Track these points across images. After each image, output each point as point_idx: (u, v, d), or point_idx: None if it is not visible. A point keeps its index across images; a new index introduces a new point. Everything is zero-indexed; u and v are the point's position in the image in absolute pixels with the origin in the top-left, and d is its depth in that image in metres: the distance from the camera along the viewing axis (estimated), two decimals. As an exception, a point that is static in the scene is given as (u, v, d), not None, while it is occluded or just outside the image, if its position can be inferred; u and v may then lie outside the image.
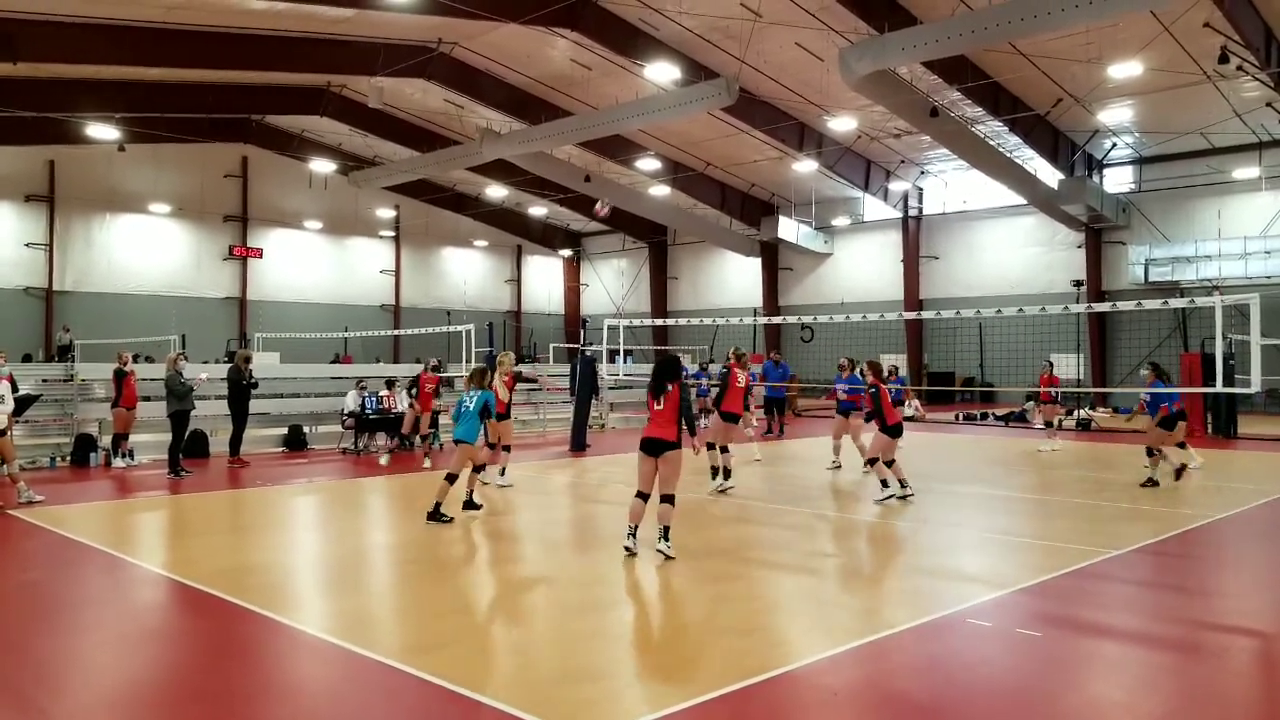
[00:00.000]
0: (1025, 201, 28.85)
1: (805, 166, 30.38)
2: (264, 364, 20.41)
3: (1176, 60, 21.15)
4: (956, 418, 24.86)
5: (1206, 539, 9.08)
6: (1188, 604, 6.85)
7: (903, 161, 31.58)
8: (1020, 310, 14.55)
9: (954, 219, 33.22)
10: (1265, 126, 24.97)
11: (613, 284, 44.54)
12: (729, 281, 39.70)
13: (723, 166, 32.76)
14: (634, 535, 7.86)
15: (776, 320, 26.15)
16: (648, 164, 31.26)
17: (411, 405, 15.89)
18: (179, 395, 13.19)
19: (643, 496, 7.91)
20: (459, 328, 19.60)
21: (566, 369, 22.72)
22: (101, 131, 26.69)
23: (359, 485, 12.74)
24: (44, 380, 14.86)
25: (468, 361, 18.98)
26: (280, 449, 16.58)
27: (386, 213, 39.37)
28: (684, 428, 7.99)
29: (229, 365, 15.57)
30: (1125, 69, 20.88)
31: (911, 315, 17.87)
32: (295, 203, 36.72)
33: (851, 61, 19.19)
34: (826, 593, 7.05)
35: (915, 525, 9.60)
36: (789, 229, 34.99)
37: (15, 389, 11.65)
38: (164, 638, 6.01)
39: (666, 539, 7.73)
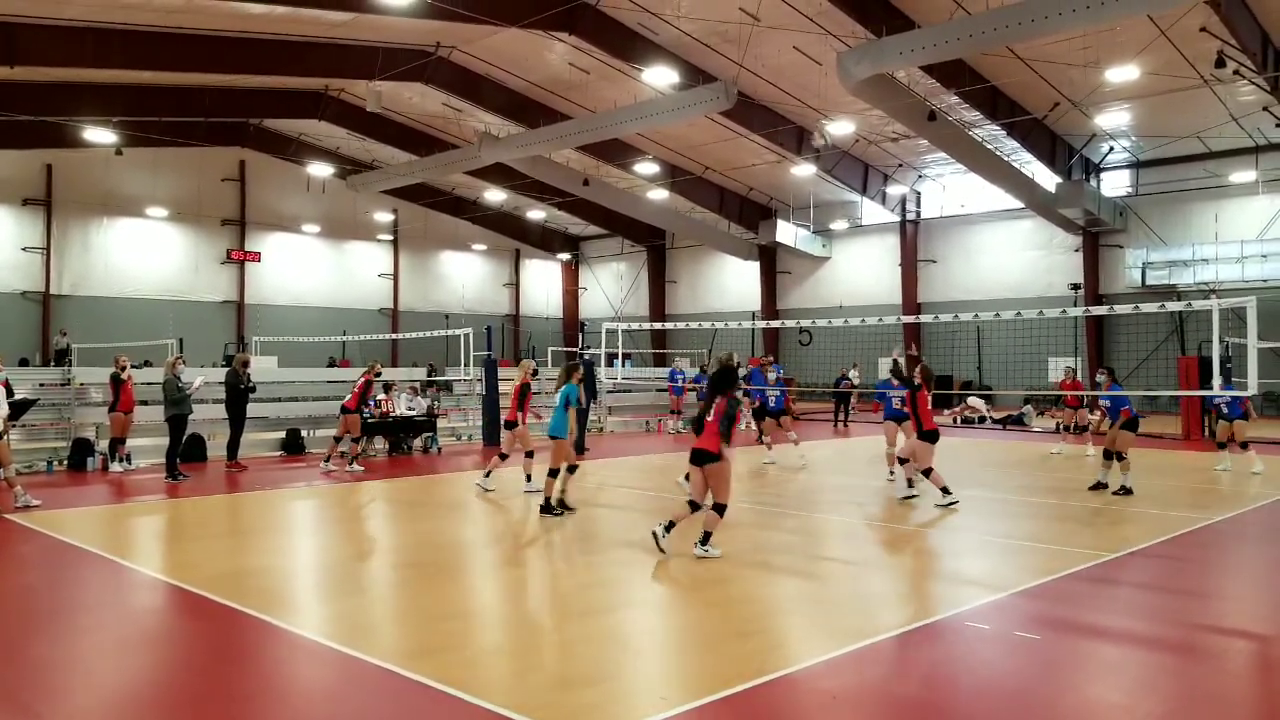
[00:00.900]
0: (1023, 205, 28.89)
1: (803, 170, 30.40)
2: (262, 368, 20.40)
3: (1173, 64, 21.20)
4: (955, 421, 24.88)
5: (1204, 541, 9.09)
6: (1186, 606, 6.85)
7: (900, 165, 31.62)
8: (1018, 314, 14.57)
9: (952, 222, 33.26)
10: (1262, 130, 25.02)
11: (611, 288, 44.55)
12: (727, 285, 39.72)
13: (721, 170, 32.78)
14: (666, 530, 7.90)
15: (775, 324, 26.14)
16: (646, 168, 31.28)
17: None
18: (176, 400, 13.18)
19: (693, 505, 8.01)
20: (457, 331, 19.60)
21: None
22: (99, 135, 26.66)
23: (357, 489, 12.73)
24: (41, 384, 14.84)
25: (466, 365, 19.00)
26: (278, 453, 16.57)
27: (385, 216, 39.36)
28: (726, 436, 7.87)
29: (227, 369, 15.56)
30: (1122, 73, 20.92)
31: (910, 319, 17.88)
32: (293, 206, 36.70)
33: (849, 65, 19.22)
34: (825, 596, 7.05)
35: (914, 528, 9.60)
36: (787, 233, 35.02)
37: (11, 393, 11.65)
38: (162, 642, 5.99)
39: (705, 543, 7.83)
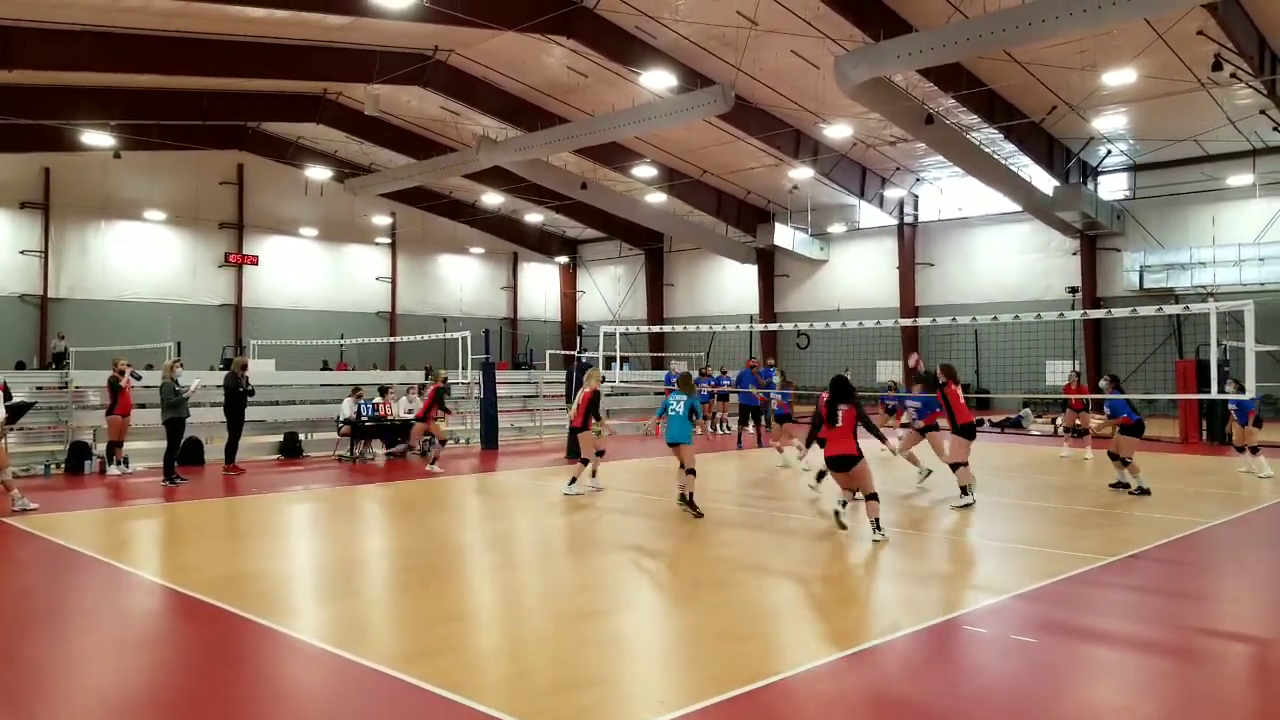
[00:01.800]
0: (1020, 208, 28.92)
1: (801, 173, 30.42)
2: (260, 371, 20.37)
3: (1170, 68, 21.24)
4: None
5: (1202, 544, 9.09)
6: (1183, 609, 6.85)
7: (898, 169, 31.65)
8: (1016, 317, 14.59)
9: (949, 226, 33.29)
10: (1259, 133, 25.06)
11: (609, 291, 44.56)
12: (725, 288, 39.74)
13: (719, 174, 32.81)
14: (844, 505, 9.20)
15: (773, 327, 26.16)
16: (644, 171, 31.29)
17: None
18: (173, 403, 13.16)
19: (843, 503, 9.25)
20: (455, 335, 19.61)
21: (563, 376, 22.75)
22: (97, 138, 26.65)
23: (355, 492, 12.72)
24: (38, 388, 14.81)
25: (464, 369, 19.00)
26: (276, 456, 16.55)
27: (382, 220, 39.36)
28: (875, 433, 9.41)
29: (225, 372, 15.54)
30: (1119, 76, 20.96)
31: (907, 322, 17.85)
32: (291, 210, 36.70)
33: (847, 69, 19.25)
34: (823, 599, 7.04)
35: (910, 532, 9.59)
36: (785, 236, 35.05)
37: (9, 396, 11.63)
38: (159, 645, 5.99)
39: (878, 528, 8.67)
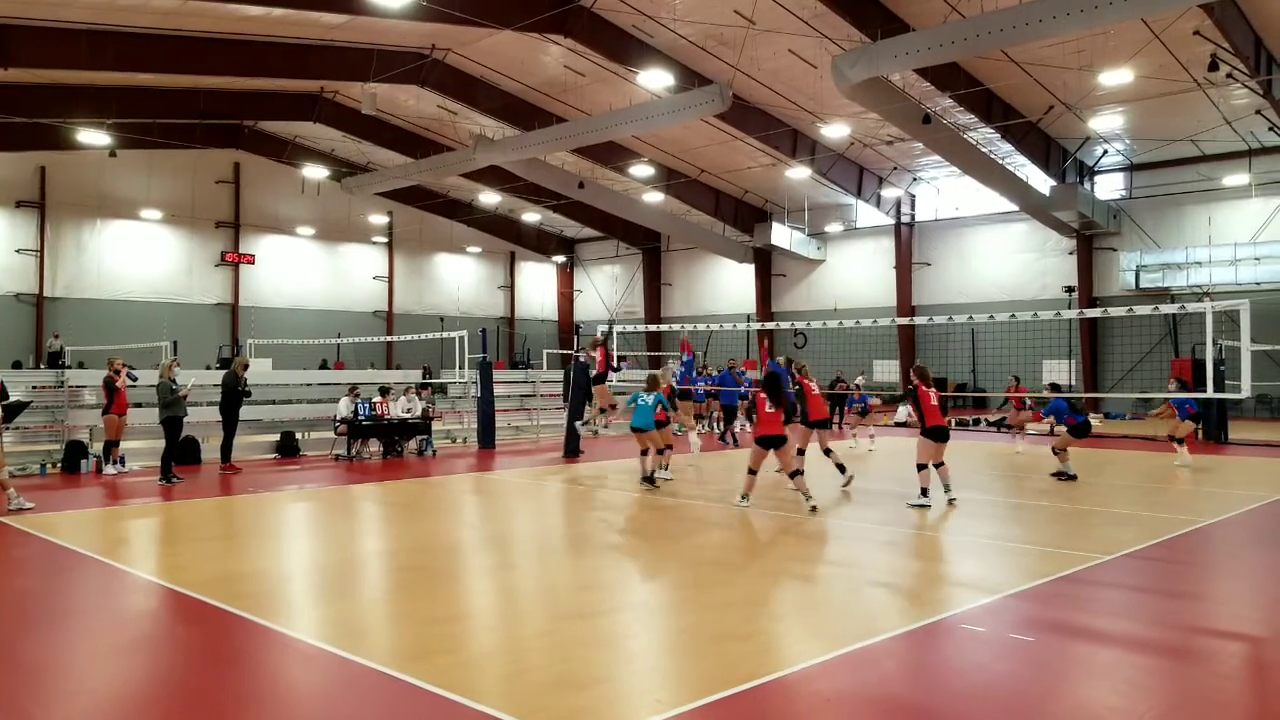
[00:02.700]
0: (1017, 208, 28.97)
1: (798, 173, 30.44)
2: (256, 370, 20.35)
3: (1167, 68, 21.28)
4: (949, 424, 24.87)
5: (1197, 544, 9.11)
6: (1179, 608, 6.87)
7: (895, 168, 31.68)
8: (1013, 316, 14.66)
9: (946, 225, 33.33)
10: (1255, 134, 25.12)
11: (606, 290, 44.56)
12: (722, 288, 39.76)
13: (716, 173, 32.82)
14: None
15: (770, 326, 26.17)
16: (641, 170, 31.30)
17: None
18: (169, 403, 13.14)
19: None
20: (452, 334, 19.59)
21: (560, 375, 22.75)
22: (93, 137, 26.60)
23: (352, 491, 12.71)
24: (34, 387, 14.79)
25: (461, 368, 18.99)
26: (273, 455, 16.54)
27: (379, 219, 39.33)
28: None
29: (224, 371, 15.52)
30: (1116, 76, 21.00)
31: (904, 321, 17.92)
32: (288, 209, 36.67)
33: (844, 69, 19.26)
34: (819, 598, 7.05)
35: (907, 531, 9.61)
36: (782, 235, 35.07)
37: (6, 395, 11.61)
38: (156, 645, 5.98)
39: (808, 498, 10.44)
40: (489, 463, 16.19)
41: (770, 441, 10.55)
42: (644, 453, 12.58)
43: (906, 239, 33.96)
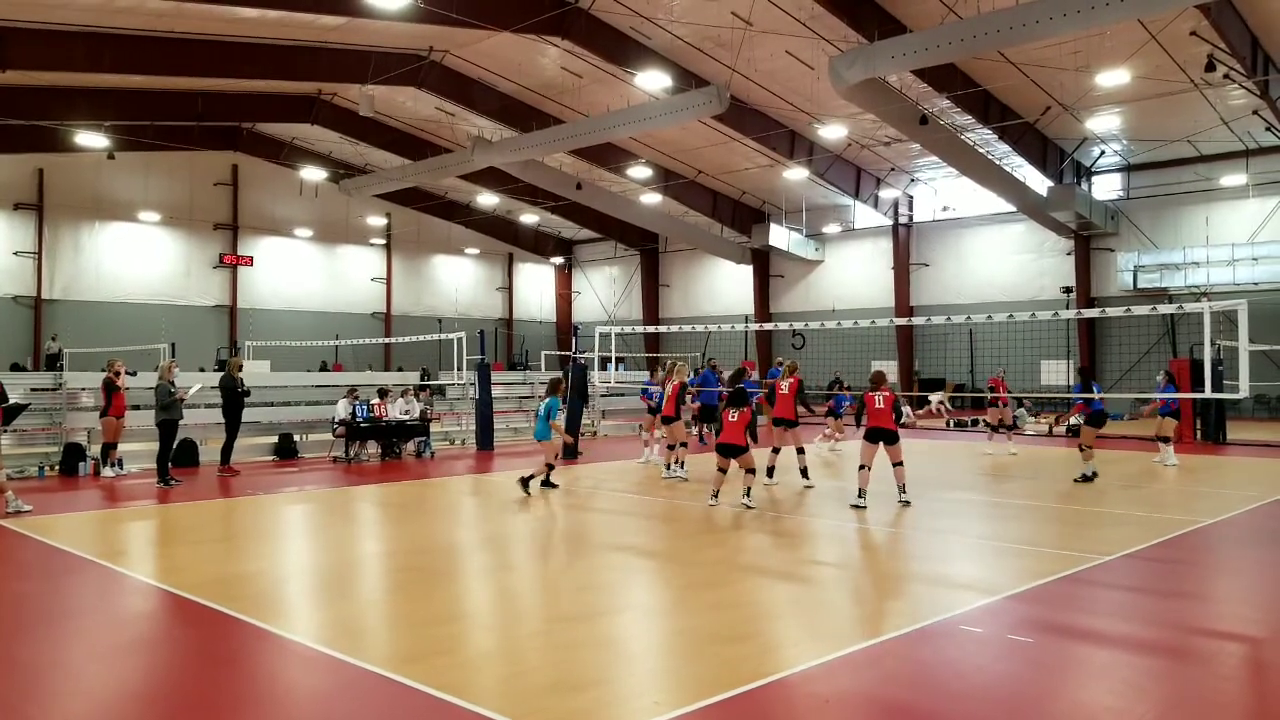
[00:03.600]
0: (1015, 209, 28.98)
1: (796, 174, 30.45)
2: (255, 372, 20.36)
3: (1164, 68, 21.30)
4: (947, 424, 24.92)
5: (1195, 544, 9.12)
6: (1177, 609, 6.87)
7: (893, 169, 31.69)
8: (1010, 316, 14.65)
9: (944, 226, 33.34)
10: (1252, 134, 25.15)
11: (604, 291, 44.56)
12: (720, 289, 39.76)
13: (714, 174, 32.82)
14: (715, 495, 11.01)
15: (768, 327, 26.18)
16: (639, 171, 31.28)
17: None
18: (166, 405, 13.14)
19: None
20: (450, 335, 19.58)
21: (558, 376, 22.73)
22: (90, 139, 26.58)
23: (350, 494, 12.70)
24: (32, 389, 14.78)
25: (459, 370, 18.98)
26: (271, 457, 16.53)
27: (377, 220, 39.31)
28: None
29: (221, 374, 15.52)
30: (1113, 77, 21.01)
31: (902, 321, 17.91)
32: (286, 210, 36.64)
33: (842, 70, 19.27)
34: (818, 599, 7.05)
35: (905, 531, 9.61)
36: (780, 236, 35.06)
37: (5, 398, 11.61)
38: (153, 647, 5.97)
39: (747, 494, 10.81)
40: (487, 464, 16.19)
41: (727, 450, 11.10)
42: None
43: (904, 240, 33.98)
